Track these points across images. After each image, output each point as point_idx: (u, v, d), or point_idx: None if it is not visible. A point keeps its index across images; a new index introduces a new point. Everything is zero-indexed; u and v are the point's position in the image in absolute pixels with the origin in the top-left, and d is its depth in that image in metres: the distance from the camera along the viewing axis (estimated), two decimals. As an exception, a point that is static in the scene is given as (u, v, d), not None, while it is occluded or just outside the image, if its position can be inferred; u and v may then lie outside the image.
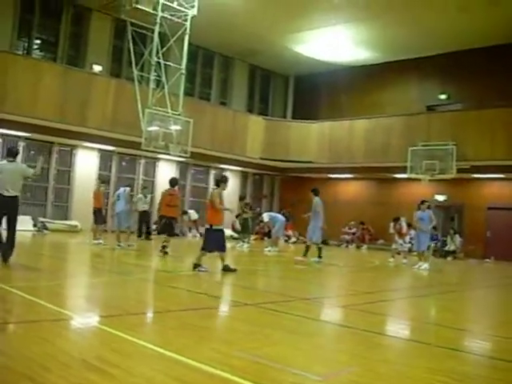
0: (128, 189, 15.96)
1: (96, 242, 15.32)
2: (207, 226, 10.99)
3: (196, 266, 10.77)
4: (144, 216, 19.54)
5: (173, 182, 14.61)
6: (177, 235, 14.59)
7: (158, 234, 14.87)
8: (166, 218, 14.26)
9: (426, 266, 15.29)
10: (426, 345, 5.71)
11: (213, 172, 26.61)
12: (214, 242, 10.83)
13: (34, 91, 18.10)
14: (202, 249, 10.88)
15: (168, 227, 14.16)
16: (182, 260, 14.85)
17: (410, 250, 18.33)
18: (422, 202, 16.23)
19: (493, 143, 20.07)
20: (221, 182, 11.09)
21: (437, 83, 25.02)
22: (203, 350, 4.68)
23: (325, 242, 26.20)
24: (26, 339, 4.66)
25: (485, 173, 21.81)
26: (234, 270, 10.89)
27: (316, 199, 15.16)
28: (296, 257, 15.23)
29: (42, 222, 19.65)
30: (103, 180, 17.74)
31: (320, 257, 14.88)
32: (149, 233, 19.92)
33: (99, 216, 15.95)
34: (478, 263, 20.71)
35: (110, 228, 17.80)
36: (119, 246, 14.84)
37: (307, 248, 14.98)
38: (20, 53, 20.59)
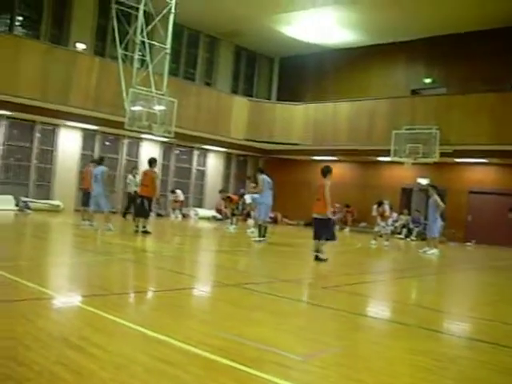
0: (106, 169, 14.93)
1: (84, 223, 14.92)
2: (321, 217, 10.96)
3: (316, 256, 10.91)
4: (133, 197, 18.89)
5: (149, 162, 14.77)
6: (148, 214, 14.31)
7: (135, 216, 14.71)
8: (140, 198, 14.50)
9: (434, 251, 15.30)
10: (407, 326, 5.76)
11: (196, 153, 26.56)
12: (328, 230, 10.97)
13: (15, 69, 17.85)
14: (322, 238, 10.94)
15: (141, 209, 14.29)
16: (166, 240, 14.88)
17: (392, 233, 18.44)
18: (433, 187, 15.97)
19: (477, 128, 20.16)
20: (328, 173, 11.13)
21: (422, 67, 25.07)
22: (185, 330, 4.69)
23: (309, 224, 26.44)
24: (7, 319, 4.63)
25: (468, 157, 21.94)
26: (325, 260, 10.91)
27: (260, 177, 15.28)
28: (254, 238, 15.16)
29: (24, 201, 19.50)
30: (94, 160, 16.78)
31: (263, 236, 14.72)
32: (126, 213, 19.93)
33: (87, 197, 15.37)
34: (459, 247, 20.91)
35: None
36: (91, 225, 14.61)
37: (259, 228, 14.91)
38: (2, 29, 20.28)
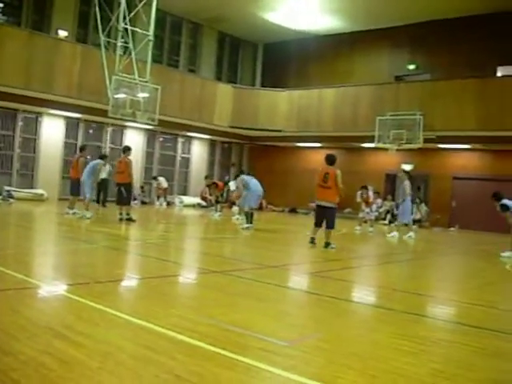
0: (102, 162, 15.67)
1: (71, 212, 14.85)
2: (330, 205, 11.07)
3: (328, 244, 11.05)
4: (103, 184, 19.70)
5: (123, 150, 15.13)
6: (129, 201, 14.42)
7: (117, 205, 14.72)
8: (117, 185, 14.58)
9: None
10: (391, 311, 5.82)
11: (181, 140, 26.49)
12: (333, 219, 11.17)
13: (-4, 57, 17.65)
14: (331, 227, 11.10)
15: (120, 197, 14.36)
16: (150, 228, 14.87)
17: (376, 219, 18.55)
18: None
19: (460, 114, 20.25)
20: (335, 161, 11.22)
21: (406, 53, 25.09)
22: (171, 318, 4.70)
23: (293, 210, 26.57)
24: (-8, 308, 4.63)
25: (451, 143, 22.07)
26: (334, 247, 11.07)
27: (238, 179, 16.05)
28: (241, 225, 15.27)
29: (7, 190, 19.33)
30: (82, 148, 16.52)
31: (250, 223, 14.87)
32: (105, 200, 20.12)
33: (75, 186, 15.29)
34: (443, 232, 21.09)
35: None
36: (74, 213, 14.70)
37: (246, 215, 15.08)
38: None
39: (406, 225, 16.03)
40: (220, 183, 20.66)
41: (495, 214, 13.11)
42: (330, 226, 11.10)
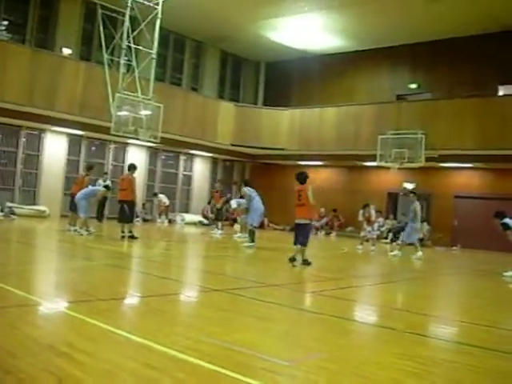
0: (104, 191, 15.99)
1: (72, 229, 14.89)
2: (306, 222, 11.07)
3: (306, 261, 10.98)
4: (103, 201, 19.78)
5: (128, 167, 15.31)
6: (131, 218, 14.64)
7: (118, 222, 14.81)
8: (120, 203, 14.64)
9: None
10: (393, 330, 5.79)
11: (183, 158, 26.54)
12: (305, 235, 11.10)
13: (1, 74, 17.71)
14: (301, 243, 11.03)
15: (122, 214, 14.44)
16: (151, 246, 14.84)
17: (378, 238, 18.50)
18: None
19: (461, 133, 20.29)
20: (307, 178, 11.20)
21: (407, 72, 25.22)
22: (172, 336, 4.68)
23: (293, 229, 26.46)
24: (-8, 325, 4.60)
25: (453, 162, 22.08)
26: (309, 264, 11.00)
27: (244, 189, 15.95)
28: (244, 243, 15.26)
29: (9, 207, 19.35)
30: (90, 167, 16.93)
31: (253, 241, 14.85)
32: (102, 216, 20.48)
33: (75, 203, 15.26)
34: (445, 251, 21.01)
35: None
36: (76, 230, 14.72)
37: (249, 233, 15.10)
38: (-14, 34, 20.18)
39: (411, 244, 15.95)
40: (217, 194, 20.67)
41: (497, 233, 13.09)
42: (301, 241, 10.99)
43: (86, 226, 14.58)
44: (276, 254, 14.84)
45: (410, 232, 15.90)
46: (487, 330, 6.19)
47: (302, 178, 11.25)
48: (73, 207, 15.42)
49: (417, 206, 15.66)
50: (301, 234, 11.05)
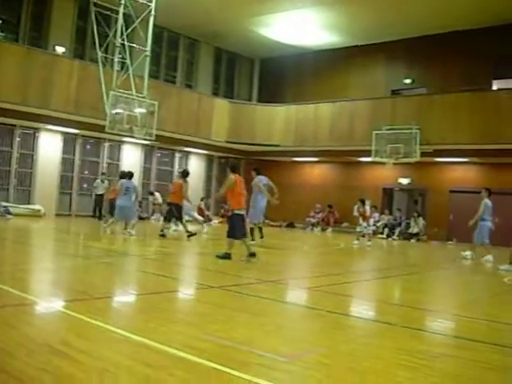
0: (136, 185, 16.62)
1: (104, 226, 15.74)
2: (241, 212, 10.69)
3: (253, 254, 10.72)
4: (100, 199, 20.72)
5: (181, 173, 16.23)
6: (179, 218, 15.86)
7: (165, 220, 15.88)
8: (168, 205, 15.76)
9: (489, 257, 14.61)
10: (390, 325, 5.80)
11: (178, 155, 26.52)
12: (232, 227, 10.68)
13: (-6, 72, 17.68)
14: (229, 236, 10.66)
15: (169, 213, 15.55)
16: (148, 243, 14.82)
17: (374, 233, 18.52)
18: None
19: (456, 127, 20.33)
20: (238, 169, 11.05)
21: (402, 68, 25.22)
22: (169, 334, 4.68)
23: (291, 225, 26.52)
24: (-11, 325, 4.59)
25: (448, 157, 22.11)
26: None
27: (256, 179, 14.77)
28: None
29: (4, 206, 19.29)
30: (122, 175, 16.51)
31: (253, 239, 14.25)
32: (101, 215, 20.74)
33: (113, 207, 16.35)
34: (441, 245, 21.06)
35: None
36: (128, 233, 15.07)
37: (251, 231, 14.48)
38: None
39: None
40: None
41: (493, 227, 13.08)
42: (228, 234, 10.63)
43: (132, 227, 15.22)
44: (271, 250, 14.81)
45: (484, 231, 14.99)
46: (484, 324, 6.21)
47: (232, 167, 10.89)
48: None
49: (487, 203, 14.84)
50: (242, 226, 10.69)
